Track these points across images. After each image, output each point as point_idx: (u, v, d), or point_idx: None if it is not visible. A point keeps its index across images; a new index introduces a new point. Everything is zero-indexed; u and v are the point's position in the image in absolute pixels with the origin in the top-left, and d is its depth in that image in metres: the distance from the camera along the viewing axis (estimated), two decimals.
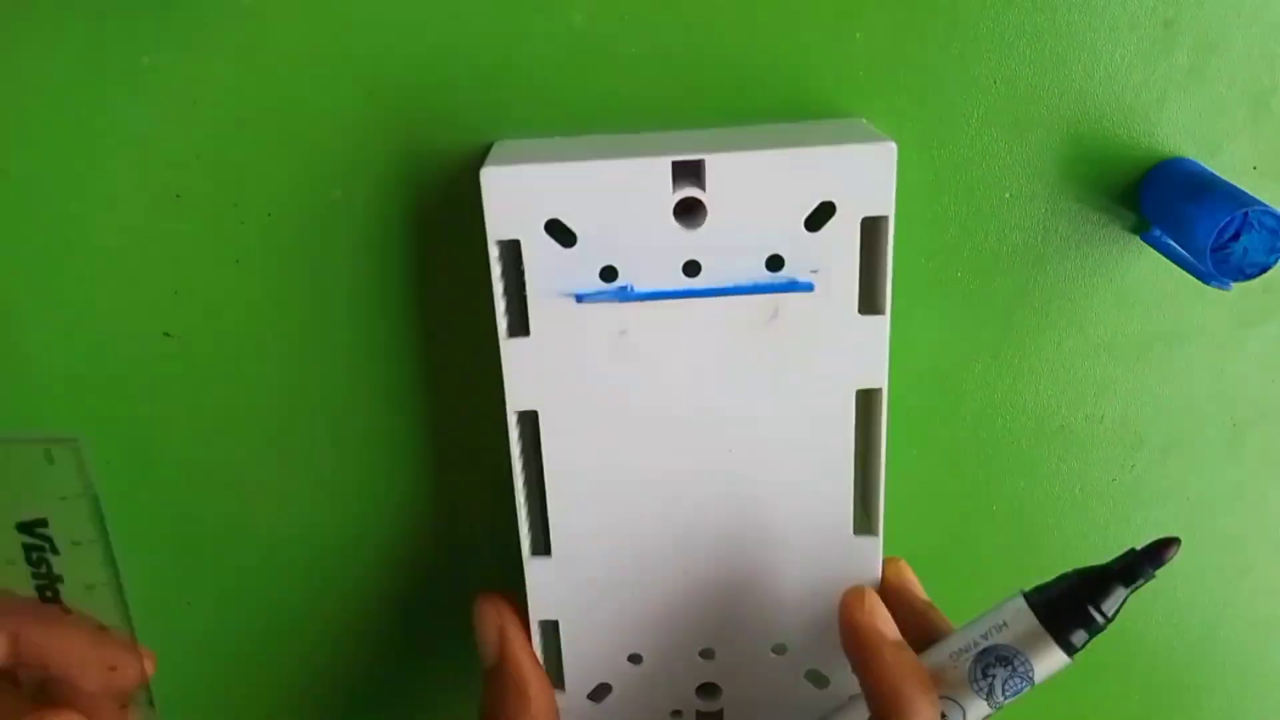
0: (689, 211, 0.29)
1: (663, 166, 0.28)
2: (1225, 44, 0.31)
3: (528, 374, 0.30)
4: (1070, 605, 0.29)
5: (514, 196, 0.28)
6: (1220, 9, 0.31)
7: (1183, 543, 0.39)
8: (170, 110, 0.30)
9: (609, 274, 0.29)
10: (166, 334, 0.33)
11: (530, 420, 0.31)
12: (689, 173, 0.29)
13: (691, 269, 0.29)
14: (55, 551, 0.27)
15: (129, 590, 0.28)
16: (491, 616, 0.33)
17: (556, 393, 0.30)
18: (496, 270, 0.29)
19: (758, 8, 0.30)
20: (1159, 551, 0.29)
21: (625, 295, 0.29)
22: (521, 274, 0.29)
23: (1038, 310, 0.35)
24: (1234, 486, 0.38)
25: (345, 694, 0.38)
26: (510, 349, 0.30)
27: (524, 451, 0.32)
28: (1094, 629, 0.29)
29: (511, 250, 0.29)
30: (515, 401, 0.30)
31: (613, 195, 0.28)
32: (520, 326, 0.30)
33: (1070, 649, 0.29)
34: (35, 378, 0.34)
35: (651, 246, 0.29)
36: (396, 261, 0.33)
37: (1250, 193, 0.30)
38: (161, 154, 0.31)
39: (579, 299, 0.29)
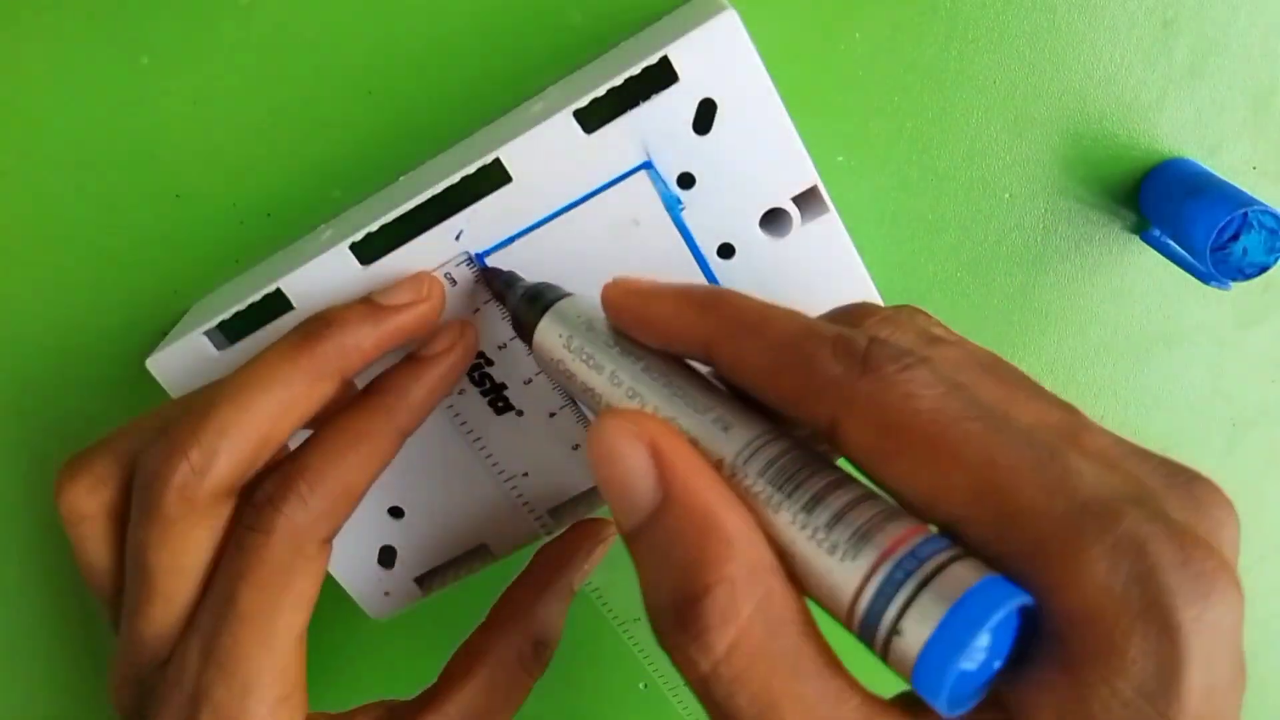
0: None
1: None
2: (1225, 43, 0.31)
3: None
4: None
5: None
6: (1220, 9, 0.31)
7: None
8: (169, 110, 0.30)
9: None
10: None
11: None
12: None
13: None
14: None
15: None
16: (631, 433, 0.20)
17: None
18: None
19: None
20: None
21: None
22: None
23: (1038, 310, 0.35)
24: (1233, 486, 0.38)
25: None
26: None
27: None
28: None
29: None
30: None
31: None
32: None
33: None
34: (34, 378, 0.34)
35: None
36: None
37: (1250, 193, 0.30)
38: (161, 154, 0.31)
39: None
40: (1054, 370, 0.36)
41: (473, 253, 0.28)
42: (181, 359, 0.30)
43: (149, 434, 0.26)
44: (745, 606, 0.18)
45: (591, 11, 0.30)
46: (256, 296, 0.28)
